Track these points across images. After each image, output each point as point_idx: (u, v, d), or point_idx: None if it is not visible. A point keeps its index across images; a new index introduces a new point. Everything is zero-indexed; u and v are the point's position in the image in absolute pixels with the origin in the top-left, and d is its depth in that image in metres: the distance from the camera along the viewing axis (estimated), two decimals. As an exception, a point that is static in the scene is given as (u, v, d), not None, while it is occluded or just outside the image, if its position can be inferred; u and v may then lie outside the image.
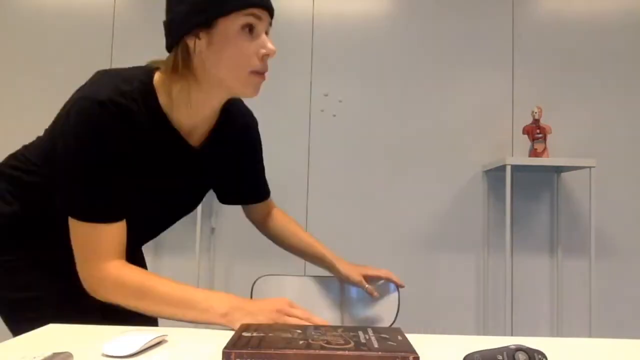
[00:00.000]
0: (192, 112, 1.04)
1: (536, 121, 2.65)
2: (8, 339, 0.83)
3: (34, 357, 0.67)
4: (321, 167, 2.85)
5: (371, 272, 1.36)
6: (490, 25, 2.89)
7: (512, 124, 2.84)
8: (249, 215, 1.43)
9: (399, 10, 2.91)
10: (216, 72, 0.99)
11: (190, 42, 0.98)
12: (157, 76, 1.02)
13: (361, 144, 2.86)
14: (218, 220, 2.81)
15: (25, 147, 1.14)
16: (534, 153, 2.64)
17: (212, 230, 2.81)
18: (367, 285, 1.34)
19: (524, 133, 2.70)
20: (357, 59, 2.89)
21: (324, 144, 2.86)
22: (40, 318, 1.00)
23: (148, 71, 1.02)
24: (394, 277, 1.37)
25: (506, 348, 0.67)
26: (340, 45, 2.89)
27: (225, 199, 1.37)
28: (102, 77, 0.99)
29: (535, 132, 2.64)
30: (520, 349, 0.66)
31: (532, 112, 2.66)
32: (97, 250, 0.98)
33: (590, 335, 2.51)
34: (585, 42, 2.87)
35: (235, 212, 2.88)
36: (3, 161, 1.16)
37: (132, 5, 2.89)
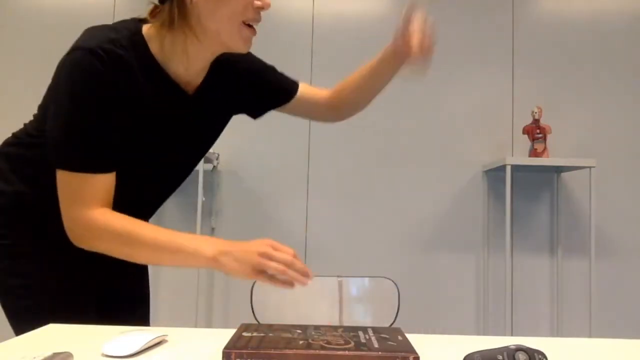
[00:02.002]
0: (188, 64, 1.04)
1: (536, 121, 2.65)
2: (8, 339, 0.83)
3: (34, 357, 0.67)
4: (321, 167, 2.85)
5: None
6: (490, 25, 2.89)
7: (512, 124, 2.84)
8: (320, 112, 1.37)
9: (398, 10, 2.90)
10: (211, 24, 0.99)
11: None
12: (146, 27, 1.02)
13: (361, 144, 2.86)
14: (218, 220, 2.81)
15: (24, 124, 1.14)
16: (534, 153, 2.64)
17: (212, 230, 2.81)
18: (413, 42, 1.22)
19: (524, 133, 2.70)
20: (357, 59, 2.88)
21: (324, 144, 2.86)
22: (35, 306, 1.00)
23: (135, 22, 1.03)
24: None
25: (506, 348, 0.67)
26: (340, 45, 2.89)
27: (256, 113, 1.30)
28: (90, 31, 1.00)
29: (535, 132, 2.64)
30: (520, 349, 0.66)
31: (532, 112, 2.66)
32: (83, 198, 0.97)
33: (590, 335, 2.51)
34: (585, 42, 2.87)
35: (235, 212, 2.90)
36: (4, 142, 1.15)
37: (132, 5, 2.89)
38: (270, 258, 0.91)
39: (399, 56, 1.26)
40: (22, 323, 0.99)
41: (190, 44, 1.01)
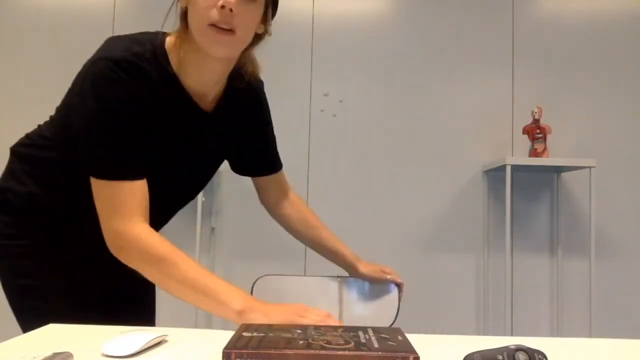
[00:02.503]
0: (199, 75, 1.04)
1: (536, 121, 2.65)
2: (8, 339, 0.83)
3: (34, 357, 0.67)
4: (321, 167, 2.85)
5: (388, 271, 1.38)
6: (490, 25, 2.89)
7: (512, 124, 2.84)
8: (263, 198, 1.38)
9: (398, 10, 2.91)
10: (191, 29, 0.99)
11: (178, 1, 1.00)
12: (169, 39, 1.03)
13: (361, 144, 2.86)
14: (218, 220, 2.81)
15: (39, 126, 1.15)
16: (534, 153, 2.64)
17: (212, 230, 2.81)
18: (389, 277, 1.36)
19: (524, 133, 2.70)
20: (357, 59, 2.89)
21: (324, 144, 2.86)
22: (43, 307, 1.00)
23: (159, 35, 1.03)
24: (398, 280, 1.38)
25: (506, 348, 0.67)
26: (340, 45, 2.89)
27: (237, 167, 1.34)
28: (114, 41, 1.00)
29: (535, 132, 2.64)
30: (520, 349, 0.66)
31: (532, 112, 2.66)
32: (121, 208, 0.96)
33: (590, 335, 2.51)
34: (585, 42, 2.87)
35: (235, 212, 2.89)
36: (17, 142, 1.15)
37: (132, 5, 2.89)
38: (304, 317, 0.90)
39: (357, 272, 1.38)
40: (30, 323, 0.99)
41: (193, 52, 1.01)
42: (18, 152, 1.13)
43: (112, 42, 1.00)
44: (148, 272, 0.97)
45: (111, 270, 1.15)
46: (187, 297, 0.96)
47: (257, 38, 1.07)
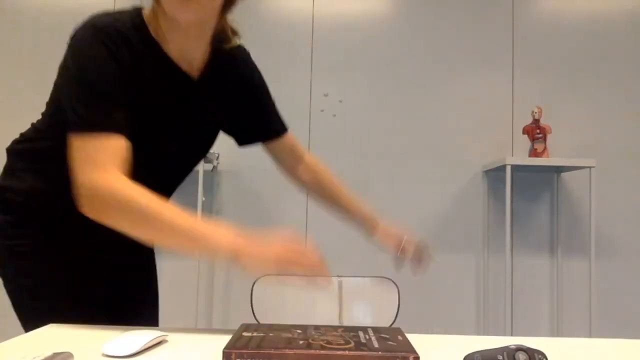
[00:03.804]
0: (177, 41, 1.04)
1: (536, 121, 2.65)
2: (8, 339, 0.83)
3: (34, 357, 0.67)
4: (321, 167, 2.85)
5: (407, 247, 1.31)
6: (490, 25, 2.89)
7: (512, 124, 2.84)
8: (278, 165, 1.35)
9: (398, 10, 2.91)
10: None
11: None
12: (146, 11, 1.04)
13: (361, 144, 2.86)
14: (218, 220, 2.81)
15: (32, 124, 1.14)
16: (534, 153, 2.64)
17: (212, 230, 2.80)
18: (399, 254, 1.29)
19: (524, 133, 2.70)
20: (357, 59, 2.89)
21: (324, 144, 2.86)
22: (45, 307, 1.00)
23: (135, 8, 1.05)
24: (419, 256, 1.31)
25: (506, 348, 0.67)
26: (340, 45, 2.89)
27: (241, 138, 1.29)
28: (94, 16, 1.02)
29: (535, 132, 2.64)
30: (520, 349, 0.66)
31: (532, 112, 2.66)
32: (98, 160, 0.92)
33: (590, 335, 2.51)
34: (585, 42, 2.87)
35: (235, 212, 2.89)
36: (12, 141, 1.15)
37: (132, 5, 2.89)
38: (296, 264, 0.88)
39: (374, 235, 1.34)
40: (32, 324, 0.99)
41: (167, 20, 1.02)
42: (14, 149, 1.13)
43: (92, 16, 1.02)
44: (127, 224, 0.92)
45: (114, 269, 1.15)
46: (174, 244, 0.93)
47: (229, 2, 1.05)
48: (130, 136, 0.97)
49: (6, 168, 1.13)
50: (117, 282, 1.17)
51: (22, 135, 1.14)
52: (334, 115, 2.86)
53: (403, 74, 2.88)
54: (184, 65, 1.07)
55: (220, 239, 0.92)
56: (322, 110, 2.87)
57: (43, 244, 1.08)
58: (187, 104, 1.09)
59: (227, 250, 0.90)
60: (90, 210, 0.93)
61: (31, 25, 2.89)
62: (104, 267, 1.12)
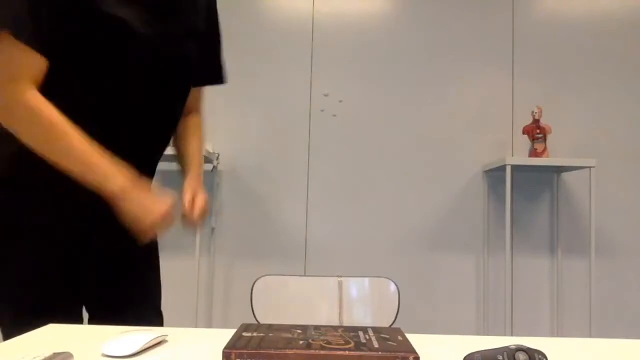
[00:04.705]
0: None
1: (536, 121, 2.65)
2: (8, 339, 0.83)
3: (34, 357, 0.67)
4: (321, 167, 2.85)
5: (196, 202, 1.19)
6: (490, 25, 2.89)
7: (512, 124, 2.84)
8: None
9: (399, 10, 2.91)
10: None
11: None
12: None
13: (361, 144, 2.86)
14: (218, 220, 2.81)
15: None
16: (534, 153, 2.64)
17: (212, 230, 2.81)
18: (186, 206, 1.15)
19: (524, 133, 2.70)
20: (357, 59, 2.89)
21: (324, 144, 2.86)
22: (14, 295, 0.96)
23: None
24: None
25: (506, 348, 0.67)
26: (340, 45, 2.89)
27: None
28: None
29: (535, 132, 2.64)
30: (520, 349, 0.66)
31: (532, 112, 2.66)
32: (17, 71, 0.90)
33: (590, 335, 2.51)
34: (585, 42, 2.87)
35: (235, 212, 2.89)
36: None
37: None
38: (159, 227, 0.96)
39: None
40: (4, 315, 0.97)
41: None
42: None
43: None
44: (33, 141, 0.92)
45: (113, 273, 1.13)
46: (70, 166, 0.93)
47: None
48: (102, 73, 0.94)
49: None
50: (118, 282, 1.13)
51: None
52: (334, 115, 2.86)
53: (403, 74, 2.88)
54: None
55: (113, 175, 0.94)
56: (322, 110, 2.87)
57: (20, 221, 0.98)
58: (160, 16, 1.01)
59: (115, 187, 0.94)
60: (3, 120, 0.93)
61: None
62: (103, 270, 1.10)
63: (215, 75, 1.23)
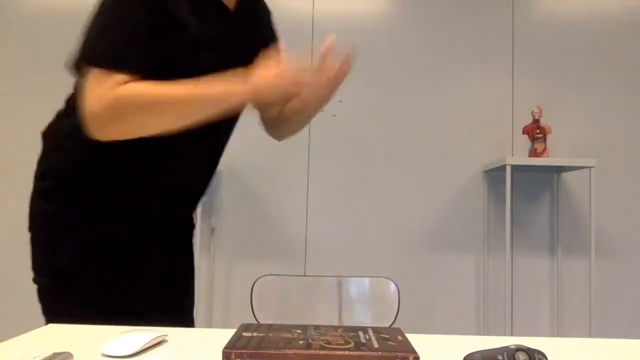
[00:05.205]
0: None
1: (536, 121, 2.65)
2: (8, 339, 0.83)
3: (34, 357, 0.67)
4: (321, 167, 2.85)
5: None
6: (490, 25, 2.89)
7: (512, 124, 2.84)
8: (267, 120, 1.32)
9: (399, 10, 2.91)
10: None
11: None
12: None
13: (361, 144, 2.86)
14: (218, 220, 2.81)
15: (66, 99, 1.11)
16: (534, 153, 2.64)
17: (212, 230, 2.81)
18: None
19: (524, 133, 2.70)
20: (356, 59, 2.88)
21: (324, 144, 2.86)
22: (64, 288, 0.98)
23: None
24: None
25: (506, 348, 0.67)
26: (340, 46, 2.89)
27: None
28: None
29: (535, 132, 2.64)
30: (520, 349, 0.66)
31: (532, 112, 2.66)
32: (105, 86, 0.91)
33: (590, 335, 2.51)
34: (585, 42, 2.87)
35: (235, 212, 2.89)
36: (49, 123, 1.11)
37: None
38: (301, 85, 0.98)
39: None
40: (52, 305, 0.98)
41: None
42: (46, 132, 1.10)
43: None
44: (146, 120, 0.92)
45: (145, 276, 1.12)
46: (197, 115, 0.94)
47: None
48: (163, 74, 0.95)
49: (41, 154, 1.10)
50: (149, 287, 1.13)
51: (57, 113, 1.11)
52: (334, 115, 2.86)
53: (403, 74, 2.88)
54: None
55: (230, 86, 0.94)
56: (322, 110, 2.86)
57: (81, 235, 1.03)
58: (223, 39, 1.05)
59: (248, 94, 0.95)
60: (103, 127, 0.92)
61: (32, 24, 2.89)
62: (133, 272, 1.09)
63: None
